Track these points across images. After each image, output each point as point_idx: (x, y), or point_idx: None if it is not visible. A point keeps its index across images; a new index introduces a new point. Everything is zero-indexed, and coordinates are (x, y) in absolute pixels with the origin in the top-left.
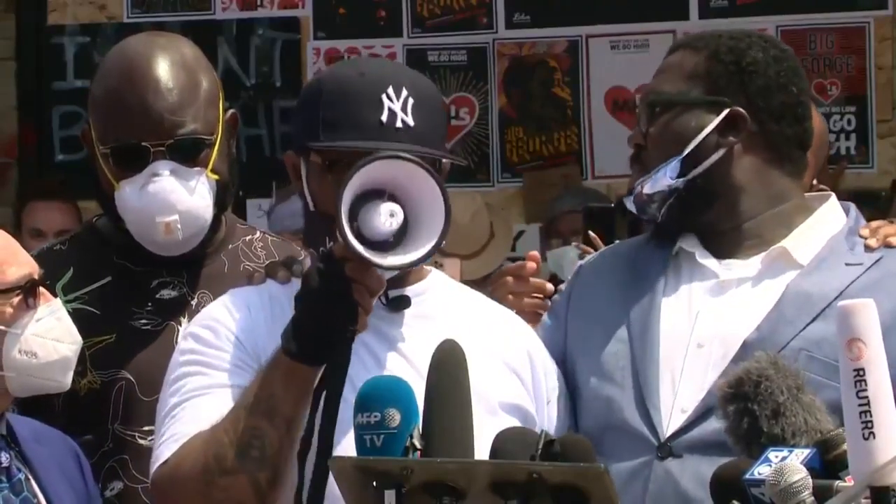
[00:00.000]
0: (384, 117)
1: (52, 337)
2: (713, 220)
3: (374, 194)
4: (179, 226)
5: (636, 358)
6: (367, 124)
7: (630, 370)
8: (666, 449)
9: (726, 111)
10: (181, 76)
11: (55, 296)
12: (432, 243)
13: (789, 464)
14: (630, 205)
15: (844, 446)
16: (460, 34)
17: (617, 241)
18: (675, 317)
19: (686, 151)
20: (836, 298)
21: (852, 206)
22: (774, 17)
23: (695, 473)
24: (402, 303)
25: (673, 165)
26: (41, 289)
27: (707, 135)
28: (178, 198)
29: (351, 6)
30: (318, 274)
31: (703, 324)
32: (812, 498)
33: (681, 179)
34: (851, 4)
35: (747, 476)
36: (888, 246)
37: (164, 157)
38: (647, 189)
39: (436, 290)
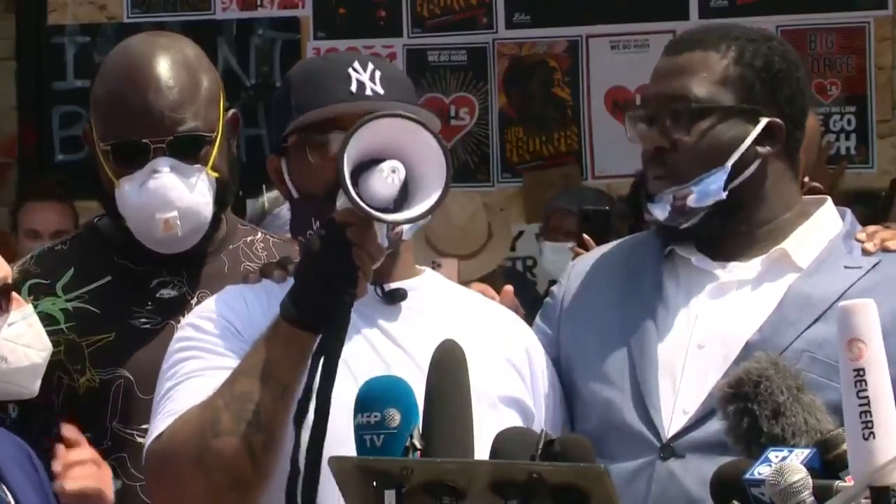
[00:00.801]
0: (353, 88)
1: (22, 342)
2: (733, 227)
3: (371, 163)
4: (179, 222)
5: (634, 360)
6: (337, 96)
7: (628, 372)
8: (669, 450)
9: (765, 121)
10: (182, 75)
11: (55, 295)
12: (436, 196)
13: (789, 464)
14: (662, 213)
15: (844, 446)
16: (460, 34)
17: (608, 244)
18: (674, 318)
19: (731, 162)
20: (836, 300)
21: (848, 211)
22: (774, 17)
23: (698, 474)
24: (399, 295)
25: (721, 177)
26: (14, 294)
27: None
28: (177, 194)
29: (351, 6)
30: (319, 238)
31: (704, 325)
32: (812, 498)
33: (724, 192)
34: (851, 4)
35: (747, 476)
36: (885, 250)
37: (164, 154)
38: (693, 202)
39: (431, 287)
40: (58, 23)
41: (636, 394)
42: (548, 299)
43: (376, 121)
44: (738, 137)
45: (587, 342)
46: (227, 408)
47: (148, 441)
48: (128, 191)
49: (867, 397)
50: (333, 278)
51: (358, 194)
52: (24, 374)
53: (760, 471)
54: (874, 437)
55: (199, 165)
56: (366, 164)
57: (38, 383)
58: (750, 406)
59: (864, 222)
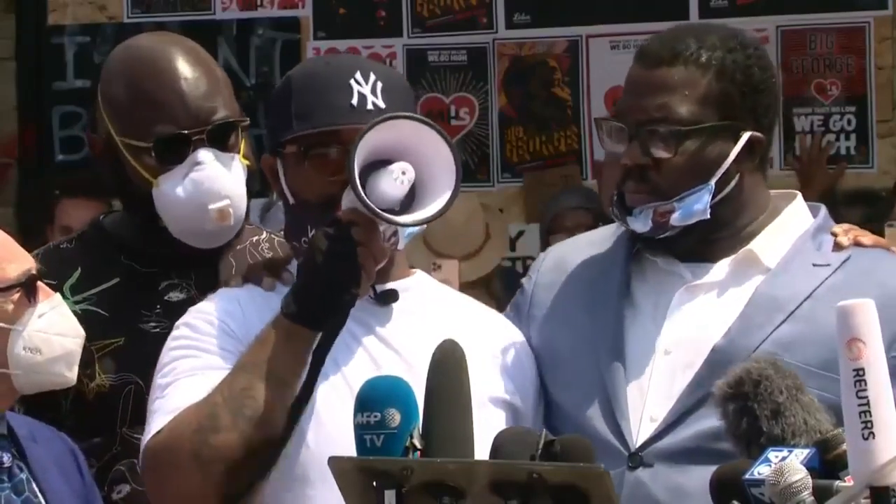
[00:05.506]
0: (354, 101)
1: (55, 332)
2: (712, 236)
3: (380, 164)
4: (231, 210)
5: (602, 366)
6: (337, 108)
7: (597, 378)
8: (637, 459)
9: (747, 136)
10: (202, 67)
11: (62, 296)
12: (446, 197)
13: (789, 464)
14: (642, 226)
15: (844, 446)
16: (460, 34)
17: (576, 237)
18: (641, 323)
19: (714, 180)
20: (805, 300)
21: (822, 207)
22: (774, 17)
23: (666, 482)
24: (390, 296)
25: (704, 197)
26: (40, 284)
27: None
28: (224, 183)
29: (351, 6)
30: (325, 236)
31: (671, 330)
32: (812, 498)
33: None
34: (851, 4)
35: (747, 476)
36: (858, 244)
37: (203, 145)
38: (677, 220)
39: (422, 287)
40: (58, 23)
41: (604, 401)
42: (518, 293)
43: (389, 122)
44: (721, 155)
45: (556, 345)
46: (226, 404)
47: (145, 439)
48: (170, 187)
49: (867, 397)
50: (337, 277)
51: (366, 194)
52: (60, 363)
53: (760, 471)
54: (874, 437)
55: (232, 154)
56: (373, 165)
57: (76, 370)
58: (750, 405)
59: (864, 222)
